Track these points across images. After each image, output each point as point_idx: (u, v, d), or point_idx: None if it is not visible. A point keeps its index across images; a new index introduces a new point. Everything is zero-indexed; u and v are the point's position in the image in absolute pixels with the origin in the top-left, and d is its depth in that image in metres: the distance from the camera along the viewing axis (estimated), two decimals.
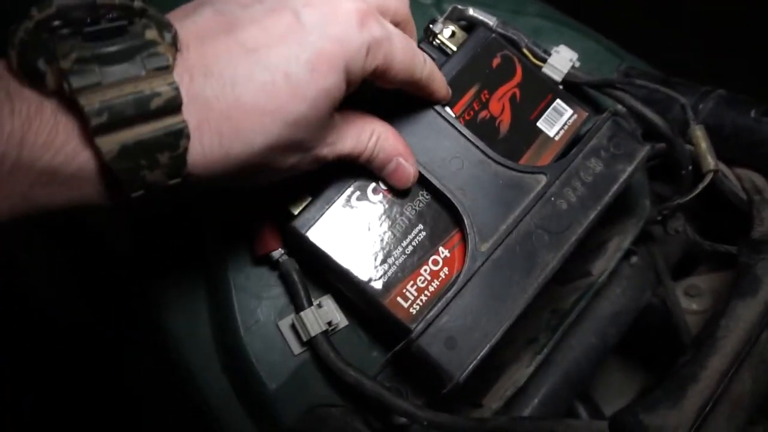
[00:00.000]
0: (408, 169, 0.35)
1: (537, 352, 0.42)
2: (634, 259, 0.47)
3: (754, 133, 0.40)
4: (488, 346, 0.34)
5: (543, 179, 0.38)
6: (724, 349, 0.31)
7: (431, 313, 0.34)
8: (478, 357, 0.34)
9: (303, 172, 0.31)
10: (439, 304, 0.34)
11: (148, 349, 0.45)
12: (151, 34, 0.25)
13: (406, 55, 0.32)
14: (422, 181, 0.37)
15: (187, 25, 0.27)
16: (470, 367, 0.34)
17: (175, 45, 0.26)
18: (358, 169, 0.36)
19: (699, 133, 0.38)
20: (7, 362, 0.70)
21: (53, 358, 0.71)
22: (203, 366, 0.38)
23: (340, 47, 0.29)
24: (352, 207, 0.36)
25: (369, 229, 0.36)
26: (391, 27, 0.31)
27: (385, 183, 0.36)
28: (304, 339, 0.36)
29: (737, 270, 0.33)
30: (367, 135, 0.34)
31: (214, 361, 0.38)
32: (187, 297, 0.39)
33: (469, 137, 0.37)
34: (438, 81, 0.36)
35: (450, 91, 0.38)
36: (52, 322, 0.70)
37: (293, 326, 0.36)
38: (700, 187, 0.37)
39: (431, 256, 0.36)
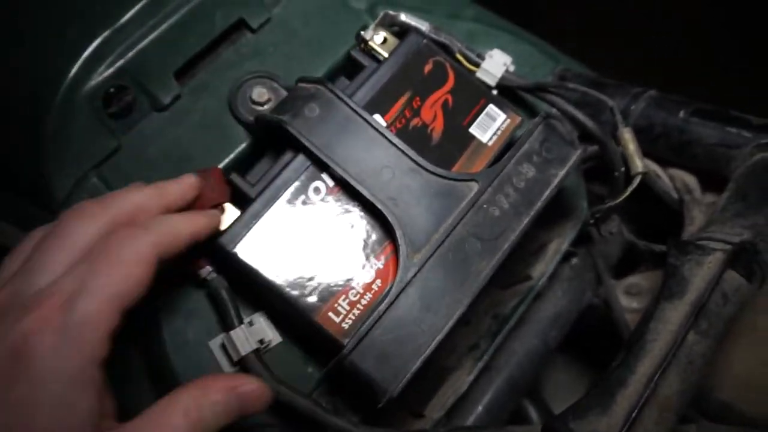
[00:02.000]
0: (252, 389, 0.30)
1: (478, 359, 0.42)
2: (574, 260, 0.48)
3: (683, 133, 0.40)
4: (421, 358, 0.34)
5: (475, 186, 0.37)
6: (652, 352, 0.31)
7: (363, 328, 0.34)
8: (412, 370, 0.34)
9: None
10: (371, 318, 0.34)
11: None
12: None
13: (119, 274, 0.27)
14: (352, 192, 0.36)
15: None
16: (404, 380, 0.33)
17: None
18: (285, 183, 0.36)
19: (627, 136, 0.38)
20: None
21: None
22: (134, 393, 0.37)
23: (45, 383, 0.24)
24: (280, 221, 0.35)
25: (299, 244, 0.35)
26: (80, 278, 0.26)
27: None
28: (235, 359, 0.35)
29: (665, 270, 0.34)
30: (179, 418, 0.27)
31: (144, 385, 0.37)
32: None
33: (399, 146, 0.37)
34: (183, 231, 0.31)
35: (206, 219, 0.33)
36: None
37: (223, 346, 0.35)
38: (629, 190, 0.38)
39: (363, 268, 0.36)
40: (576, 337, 0.50)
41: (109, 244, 0.28)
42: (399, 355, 0.34)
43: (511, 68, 0.43)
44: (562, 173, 0.39)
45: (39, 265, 0.27)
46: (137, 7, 0.39)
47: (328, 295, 0.35)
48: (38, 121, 0.37)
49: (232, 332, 0.35)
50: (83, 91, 0.37)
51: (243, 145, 0.40)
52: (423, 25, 0.42)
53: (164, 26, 0.39)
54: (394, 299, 0.34)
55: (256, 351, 0.35)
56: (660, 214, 0.44)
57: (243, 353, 0.34)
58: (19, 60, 0.38)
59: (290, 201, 0.36)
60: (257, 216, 0.35)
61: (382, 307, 0.34)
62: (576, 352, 0.58)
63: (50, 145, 0.37)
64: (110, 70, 0.38)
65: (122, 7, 0.38)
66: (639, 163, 0.37)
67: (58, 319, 0.25)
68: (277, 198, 0.35)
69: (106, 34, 0.38)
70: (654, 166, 0.43)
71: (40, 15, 0.38)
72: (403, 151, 0.37)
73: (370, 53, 0.41)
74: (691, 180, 0.41)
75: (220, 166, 0.39)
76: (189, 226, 0.31)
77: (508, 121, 0.41)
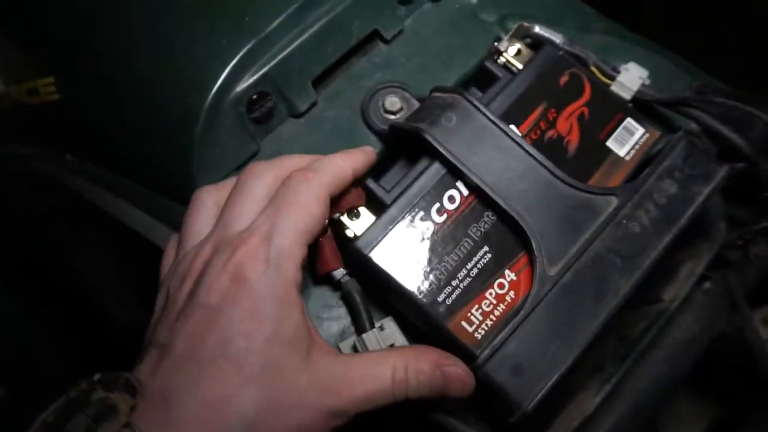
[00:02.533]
0: (459, 373, 0.32)
1: (605, 381, 0.40)
2: (707, 285, 0.45)
3: None
4: (558, 374, 0.33)
5: (614, 201, 0.36)
6: None
7: (498, 339, 0.33)
8: (547, 385, 0.33)
9: None
10: (507, 329, 0.33)
11: None
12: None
13: (300, 212, 0.32)
14: (488, 202, 0.36)
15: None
16: (539, 395, 0.32)
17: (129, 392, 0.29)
18: (420, 191, 0.36)
19: None
20: None
21: None
22: None
23: (256, 300, 0.30)
24: (415, 227, 0.35)
25: (433, 251, 0.35)
26: (270, 219, 0.32)
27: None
28: None
29: None
30: (387, 371, 0.31)
31: None
32: None
33: (537, 157, 0.36)
34: (346, 168, 0.35)
35: (361, 155, 0.37)
36: None
37: (354, 348, 0.36)
38: None
39: (497, 279, 0.35)
40: (704, 368, 0.47)
41: (289, 188, 0.33)
42: (534, 370, 0.33)
43: (648, 82, 0.42)
44: (707, 191, 0.37)
45: (235, 216, 0.33)
46: (281, 18, 0.40)
47: (462, 304, 0.35)
48: (188, 126, 0.39)
49: (364, 335, 0.35)
50: (230, 97, 0.39)
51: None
52: (557, 38, 0.42)
53: (305, 36, 0.41)
54: (530, 312, 0.34)
55: None
56: None
57: None
58: (173, 68, 0.40)
59: (425, 208, 0.36)
60: (393, 221, 0.35)
61: (518, 318, 0.33)
62: (699, 383, 0.54)
63: (198, 147, 0.39)
64: (254, 78, 0.40)
65: (268, 18, 0.40)
66: None
67: (261, 251, 0.31)
68: (413, 205, 0.36)
69: (252, 43, 0.40)
70: None
71: (195, 25, 0.41)
72: (540, 162, 0.36)
73: (504, 64, 0.41)
74: None
75: None
76: (350, 162, 0.35)
77: (647, 135, 0.39)
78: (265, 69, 0.40)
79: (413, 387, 0.31)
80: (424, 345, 0.33)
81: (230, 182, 0.36)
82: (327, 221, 0.35)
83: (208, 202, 0.35)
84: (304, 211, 0.32)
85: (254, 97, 0.40)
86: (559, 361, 0.33)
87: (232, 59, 0.39)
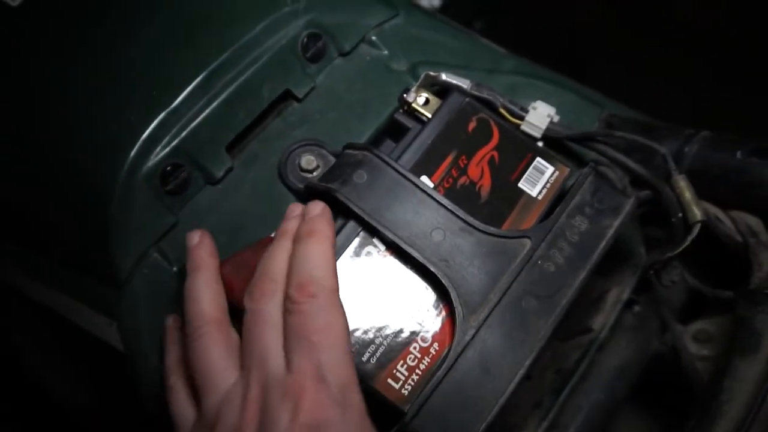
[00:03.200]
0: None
1: (542, 418, 0.41)
2: (636, 308, 0.46)
3: (742, 175, 0.39)
4: (484, 424, 0.33)
5: (528, 243, 0.37)
6: (729, 413, 0.29)
7: (422, 394, 0.33)
8: None
9: None
10: (431, 384, 0.33)
11: None
12: None
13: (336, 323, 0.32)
14: (405, 256, 0.36)
15: None
16: None
17: None
18: (338, 250, 0.36)
19: (682, 184, 0.37)
20: None
21: None
22: None
23: None
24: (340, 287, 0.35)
25: (354, 310, 0.35)
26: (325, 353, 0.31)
27: None
28: None
29: (736, 324, 0.32)
30: None
31: None
32: None
33: (448, 206, 0.37)
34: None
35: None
36: None
37: None
38: (689, 239, 0.36)
39: (420, 333, 0.35)
40: (645, 386, 0.48)
41: (304, 315, 0.31)
42: (461, 421, 0.33)
43: (556, 118, 0.43)
44: (616, 224, 0.38)
45: (264, 349, 0.31)
46: (189, 89, 0.40)
47: (386, 360, 0.35)
48: (102, 203, 0.38)
49: None
50: (142, 172, 0.39)
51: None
52: (464, 83, 0.43)
53: (214, 104, 0.41)
54: (453, 363, 0.34)
55: None
56: (724, 257, 0.42)
57: None
58: (83, 144, 0.40)
59: (343, 267, 0.36)
60: None
61: (441, 372, 0.34)
62: (644, 402, 0.55)
63: (113, 225, 0.39)
64: (166, 150, 0.40)
65: (175, 90, 0.40)
66: (697, 212, 0.36)
67: (325, 395, 0.29)
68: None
69: (161, 116, 0.40)
70: (714, 210, 0.41)
71: (103, 101, 0.40)
72: (452, 212, 0.37)
73: (414, 115, 0.41)
74: (754, 222, 0.40)
75: (272, 235, 0.39)
76: (326, 242, 0.34)
77: (557, 173, 0.40)
78: (177, 141, 0.40)
79: None
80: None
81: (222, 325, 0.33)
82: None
83: (220, 335, 0.33)
84: (335, 333, 0.31)
85: (168, 169, 0.40)
86: (486, 410, 0.33)
87: (142, 134, 0.39)
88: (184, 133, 0.40)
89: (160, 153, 0.39)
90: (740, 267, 0.41)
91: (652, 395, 0.51)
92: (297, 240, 0.34)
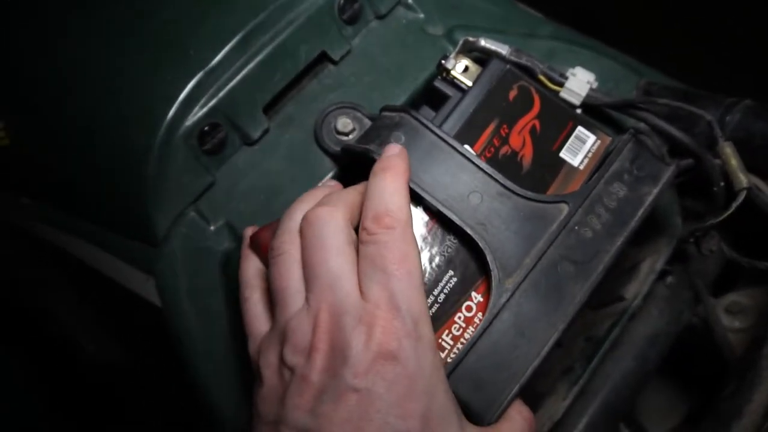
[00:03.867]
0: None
1: (573, 383, 0.41)
2: (669, 279, 0.46)
3: None
4: (518, 385, 0.33)
5: (565, 208, 0.37)
6: None
7: (457, 355, 0.33)
8: (509, 397, 0.33)
9: None
10: (465, 345, 0.34)
11: None
12: None
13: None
14: (443, 220, 0.36)
15: None
16: (501, 408, 0.33)
17: None
18: None
19: (728, 150, 0.36)
20: None
21: None
22: None
23: (409, 377, 0.29)
24: None
25: None
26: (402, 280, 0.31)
27: None
28: None
29: None
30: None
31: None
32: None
33: (487, 170, 0.37)
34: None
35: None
36: None
37: None
38: (734, 206, 0.36)
39: (464, 302, 0.36)
40: (674, 359, 0.48)
41: (381, 245, 0.32)
42: (495, 382, 0.33)
43: (595, 85, 0.42)
44: (655, 191, 0.37)
45: (332, 274, 0.31)
46: (226, 49, 0.40)
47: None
48: (140, 163, 0.39)
49: None
50: (180, 132, 0.39)
51: (330, 175, 0.41)
52: (503, 49, 0.42)
53: (251, 65, 0.41)
54: (488, 325, 0.34)
55: None
56: (762, 228, 0.42)
57: None
58: (121, 106, 0.40)
59: None
60: None
61: (476, 333, 0.34)
62: (674, 374, 0.55)
63: (151, 185, 0.39)
64: (204, 110, 0.40)
65: (213, 50, 0.40)
66: (743, 178, 0.35)
67: (399, 324, 0.30)
68: None
69: (199, 76, 0.40)
70: (755, 179, 0.40)
71: (140, 62, 0.41)
72: (490, 175, 0.37)
73: (453, 82, 0.41)
74: None
75: None
76: (401, 181, 0.34)
77: (599, 142, 0.40)
78: (214, 101, 0.40)
79: None
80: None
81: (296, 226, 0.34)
82: None
83: (293, 261, 0.33)
84: (411, 265, 0.31)
85: (205, 129, 0.40)
86: (519, 372, 0.33)
87: (180, 94, 0.39)
88: (221, 94, 0.40)
89: (197, 113, 0.40)
90: None
91: (683, 366, 0.51)
92: (373, 174, 0.34)
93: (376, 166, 0.35)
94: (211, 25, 0.41)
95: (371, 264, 0.31)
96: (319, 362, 0.30)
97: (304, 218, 0.33)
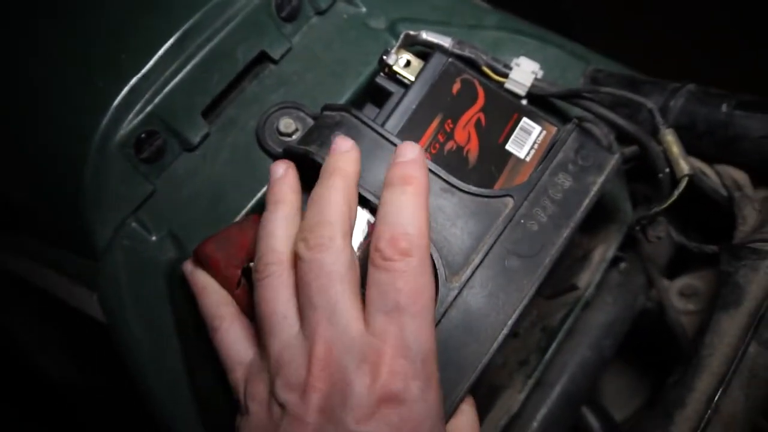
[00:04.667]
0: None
1: (528, 375, 0.41)
2: (622, 265, 0.46)
3: (728, 128, 0.38)
4: (467, 384, 0.33)
5: (510, 202, 0.36)
6: (710, 367, 0.29)
7: None
8: (459, 395, 0.33)
9: None
10: None
11: None
12: None
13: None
14: None
15: None
16: (452, 406, 0.33)
17: None
18: None
19: (670, 138, 0.36)
20: None
21: None
22: None
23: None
24: None
25: None
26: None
27: None
28: None
29: (718, 278, 0.32)
30: None
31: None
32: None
33: (429, 166, 0.36)
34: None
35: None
36: None
37: None
38: (676, 194, 0.36)
39: None
40: (633, 342, 0.48)
41: (394, 273, 0.29)
42: (446, 380, 0.33)
43: (540, 74, 0.42)
44: (600, 180, 0.37)
45: (333, 304, 0.28)
46: (161, 52, 0.39)
47: None
48: (75, 174, 0.38)
49: None
50: (115, 140, 0.38)
51: None
52: (446, 41, 0.41)
53: (188, 68, 0.39)
54: (437, 325, 0.34)
55: None
56: (709, 212, 0.42)
57: None
58: (53, 116, 0.39)
59: None
60: None
61: None
62: (636, 357, 0.56)
63: (88, 196, 0.38)
64: (139, 117, 0.38)
65: (147, 53, 0.39)
66: (685, 165, 0.35)
67: (407, 365, 0.27)
68: None
69: (133, 81, 0.38)
70: (700, 164, 0.41)
71: (71, 70, 0.39)
72: (433, 172, 0.36)
73: (396, 78, 0.40)
74: (740, 176, 0.39)
75: (252, 201, 0.39)
76: (423, 198, 0.31)
77: (544, 133, 0.40)
78: (150, 107, 0.39)
79: None
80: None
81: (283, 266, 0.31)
82: (240, 272, 0.34)
83: (282, 275, 0.30)
84: (426, 299, 0.29)
85: (142, 136, 0.39)
86: (469, 370, 0.33)
87: (113, 101, 0.38)
88: (157, 99, 0.39)
89: (133, 120, 0.38)
90: (725, 222, 0.41)
91: (640, 351, 0.52)
92: (390, 185, 0.31)
93: (394, 174, 0.32)
94: (143, 28, 0.40)
95: (382, 295, 0.29)
96: (315, 402, 0.27)
97: (301, 239, 0.30)
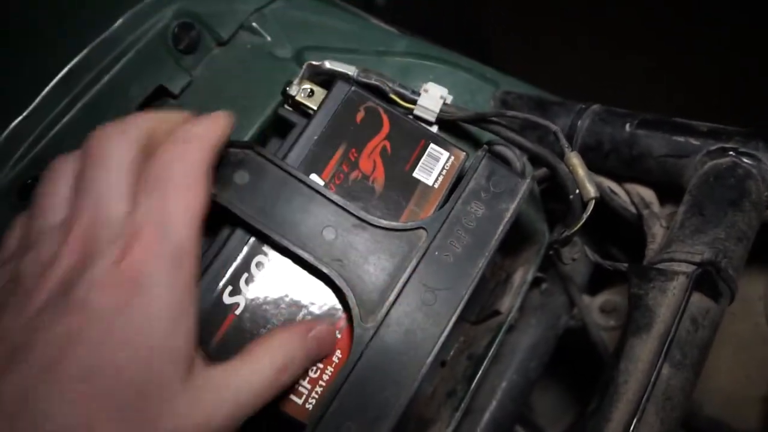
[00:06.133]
0: (324, 331, 0.32)
1: (455, 408, 0.40)
2: (543, 285, 0.46)
3: (632, 147, 0.39)
4: (388, 428, 0.32)
5: (423, 234, 0.35)
6: (625, 395, 0.29)
7: (321, 405, 0.31)
8: None
9: None
10: (328, 393, 0.32)
11: None
12: None
13: (190, 189, 0.28)
14: (298, 261, 0.34)
15: None
16: None
17: None
18: (225, 264, 0.33)
19: (575, 161, 0.36)
20: None
21: None
22: None
23: (147, 304, 0.26)
24: (225, 305, 0.33)
25: (249, 327, 0.33)
26: (159, 201, 0.27)
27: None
28: None
29: (629, 300, 0.32)
30: (267, 369, 0.29)
31: None
32: None
33: (338, 202, 0.35)
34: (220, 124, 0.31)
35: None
36: None
37: None
38: (584, 217, 0.36)
39: None
40: (561, 358, 0.48)
41: (167, 167, 0.28)
42: (368, 424, 0.32)
43: (449, 99, 0.42)
44: (513, 207, 0.37)
45: (103, 190, 0.28)
46: (45, 92, 0.36)
47: None
48: None
49: None
50: None
51: None
52: (350, 70, 0.40)
53: (77, 107, 0.37)
54: (351, 369, 0.32)
55: None
56: (622, 229, 0.42)
57: None
58: None
59: (233, 282, 0.33)
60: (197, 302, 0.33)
61: (338, 378, 0.32)
62: (566, 373, 0.56)
63: None
64: (23, 162, 0.36)
65: (28, 93, 0.36)
66: (591, 188, 0.36)
67: (160, 246, 0.26)
68: (219, 282, 0.33)
69: (13, 124, 0.36)
70: (609, 183, 0.41)
71: None
72: (342, 207, 0.35)
73: (300, 108, 0.39)
74: (647, 193, 0.40)
75: None
76: (215, 126, 0.31)
77: (452, 158, 0.39)
78: (35, 150, 0.36)
79: (294, 370, 0.30)
80: (283, 325, 0.32)
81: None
82: None
83: (67, 171, 0.29)
84: (194, 195, 0.28)
85: (29, 182, 0.36)
86: (390, 414, 0.32)
87: None
88: (42, 143, 0.36)
89: (16, 166, 0.35)
90: (635, 238, 0.41)
91: (571, 366, 0.52)
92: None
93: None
94: (27, 67, 0.37)
95: (154, 178, 0.28)
96: (54, 275, 0.26)
97: (90, 135, 0.29)
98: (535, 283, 0.46)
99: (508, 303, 0.43)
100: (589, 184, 0.36)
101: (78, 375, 0.24)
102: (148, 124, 0.30)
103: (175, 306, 0.26)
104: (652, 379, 0.29)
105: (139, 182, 0.28)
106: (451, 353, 0.45)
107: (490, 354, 0.42)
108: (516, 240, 0.43)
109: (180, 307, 0.27)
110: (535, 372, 0.45)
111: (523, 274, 0.44)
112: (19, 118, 0.36)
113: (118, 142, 0.28)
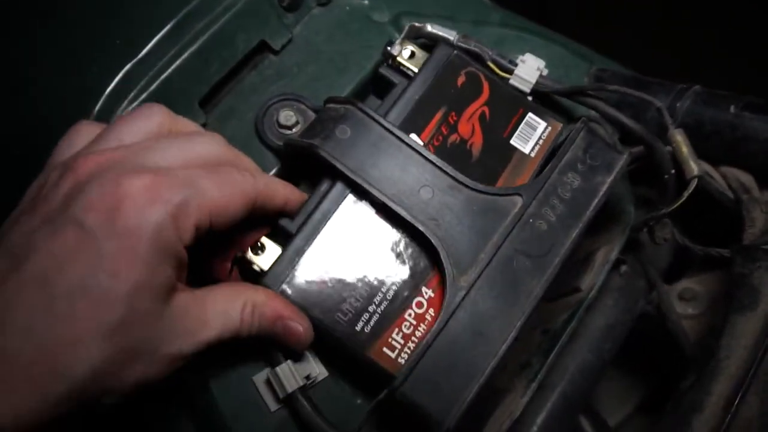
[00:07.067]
0: (296, 329, 0.32)
1: (531, 380, 0.40)
2: (623, 268, 0.45)
3: (735, 130, 0.38)
4: (477, 386, 0.32)
5: (519, 201, 0.35)
6: (727, 370, 0.29)
7: (412, 359, 0.32)
8: (467, 399, 0.32)
9: (163, 380, 0.28)
10: (420, 348, 0.32)
11: None
12: None
13: (224, 191, 0.30)
14: (394, 217, 0.35)
15: None
16: (460, 411, 0.32)
17: None
18: (325, 215, 0.34)
19: (679, 138, 0.36)
20: None
21: None
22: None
23: (138, 238, 0.26)
24: (325, 255, 0.34)
25: (346, 277, 0.34)
26: (192, 174, 0.29)
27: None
28: (281, 396, 0.33)
29: (732, 280, 0.31)
30: (238, 308, 0.31)
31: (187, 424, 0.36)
32: None
33: (437, 163, 0.35)
34: (280, 191, 0.34)
35: (298, 193, 0.35)
36: None
37: (268, 381, 0.34)
38: (685, 195, 0.35)
39: (414, 298, 0.34)
40: (630, 347, 0.48)
41: (224, 171, 0.31)
42: (453, 384, 0.32)
43: (545, 72, 0.41)
44: (609, 180, 0.37)
45: (127, 131, 0.31)
46: (157, 38, 0.38)
47: (381, 329, 0.33)
48: None
49: (278, 368, 0.33)
50: None
51: (273, 172, 0.38)
52: (451, 35, 0.40)
53: (186, 55, 0.38)
54: (443, 326, 0.33)
55: (303, 387, 0.33)
56: (714, 215, 0.42)
57: (289, 390, 0.33)
58: (42, 101, 0.37)
59: (333, 233, 0.34)
60: (300, 252, 0.33)
61: (430, 336, 0.32)
62: (627, 361, 0.55)
63: None
64: (134, 105, 0.37)
65: (142, 38, 0.37)
66: (694, 166, 0.35)
67: (171, 193, 0.27)
68: (319, 231, 0.34)
69: (127, 67, 0.37)
70: (706, 166, 0.40)
71: (60, 53, 0.37)
72: (441, 168, 0.35)
73: (399, 69, 0.39)
74: (747, 178, 0.39)
75: None
76: (285, 190, 0.34)
77: (549, 129, 0.39)
78: (145, 94, 0.37)
79: (255, 328, 0.31)
80: (274, 293, 0.33)
81: None
82: (231, 261, 0.34)
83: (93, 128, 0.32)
84: (230, 196, 0.30)
85: None
86: (477, 373, 0.32)
87: (106, 87, 0.36)
88: (153, 86, 0.37)
89: (127, 108, 0.37)
90: (729, 224, 0.40)
91: (637, 354, 0.51)
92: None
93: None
94: (140, 12, 0.39)
95: (203, 166, 0.30)
96: (64, 186, 0.28)
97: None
98: (615, 265, 0.45)
99: (589, 281, 0.43)
100: (692, 162, 0.35)
101: (65, 292, 0.25)
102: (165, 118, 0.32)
103: (159, 248, 0.27)
104: (757, 358, 0.28)
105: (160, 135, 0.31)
106: (525, 329, 0.45)
107: (568, 330, 0.42)
108: (602, 218, 0.43)
109: (165, 251, 0.27)
110: (609, 353, 0.44)
111: (606, 253, 0.43)
112: (133, 60, 0.37)
113: (144, 117, 0.32)
